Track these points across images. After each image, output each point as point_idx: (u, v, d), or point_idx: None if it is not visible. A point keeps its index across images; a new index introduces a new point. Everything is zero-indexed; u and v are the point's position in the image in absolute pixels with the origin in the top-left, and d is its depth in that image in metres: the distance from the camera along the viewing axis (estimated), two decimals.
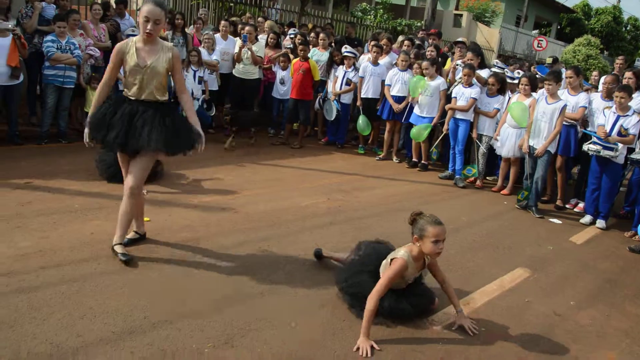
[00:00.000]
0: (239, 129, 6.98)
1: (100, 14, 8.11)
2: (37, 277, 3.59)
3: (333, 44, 9.62)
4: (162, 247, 4.28)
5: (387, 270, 3.41)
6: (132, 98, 3.88)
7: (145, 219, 4.74)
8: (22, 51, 6.67)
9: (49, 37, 6.95)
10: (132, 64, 3.82)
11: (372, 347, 3.18)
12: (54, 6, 7.77)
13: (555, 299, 4.27)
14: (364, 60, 8.95)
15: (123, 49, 3.85)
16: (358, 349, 3.16)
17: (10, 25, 6.34)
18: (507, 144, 7.22)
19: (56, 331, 3.01)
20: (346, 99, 8.85)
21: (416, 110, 8.02)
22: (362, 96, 8.64)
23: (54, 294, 3.39)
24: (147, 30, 3.73)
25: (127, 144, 3.79)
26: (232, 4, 12.77)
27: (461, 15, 20.45)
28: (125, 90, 3.94)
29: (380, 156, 8.67)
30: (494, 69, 8.10)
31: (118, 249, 3.96)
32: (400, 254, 3.40)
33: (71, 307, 3.26)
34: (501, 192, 7.39)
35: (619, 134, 6.12)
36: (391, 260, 3.46)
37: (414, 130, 7.84)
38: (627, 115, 6.16)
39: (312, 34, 9.54)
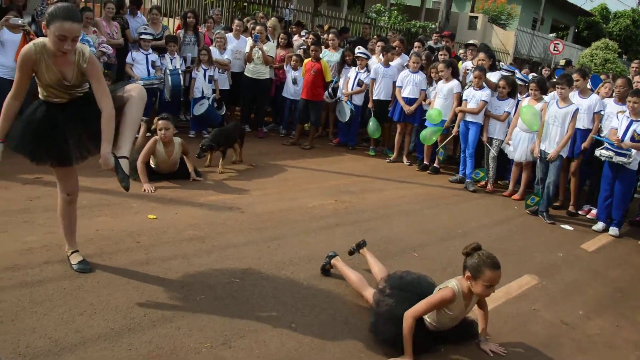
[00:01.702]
0: (225, 149, 6.82)
1: (114, 12, 8.15)
2: (40, 271, 3.60)
3: (347, 44, 9.58)
4: (167, 245, 4.27)
5: (432, 296, 3.21)
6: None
7: (152, 216, 4.76)
8: None
9: None
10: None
11: None
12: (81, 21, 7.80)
13: (563, 308, 4.19)
14: (376, 61, 8.92)
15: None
16: None
17: (21, 22, 6.38)
18: (519, 148, 7.13)
19: (56, 326, 3.00)
20: (357, 100, 8.81)
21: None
22: (373, 98, 8.59)
23: (56, 289, 3.39)
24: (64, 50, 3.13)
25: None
26: (245, 4, 12.79)
27: (476, 18, 20.30)
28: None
29: (391, 158, 8.62)
30: (502, 72, 8.02)
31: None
32: (451, 284, 3.19)
33: (72, 303, 3.26)
34: (512, 197, 7.30)
35: (632, 139, 6.02)
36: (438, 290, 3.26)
37: (424, 133, 7.78)
38: None
39: (331, 36, 9.49)
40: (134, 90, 3.41)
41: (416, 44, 9.40)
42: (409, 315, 3.11)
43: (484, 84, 7.44)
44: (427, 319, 3.28)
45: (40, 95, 3.38)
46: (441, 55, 8.80)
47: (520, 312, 4.02)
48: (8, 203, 4.77)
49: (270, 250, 4.44)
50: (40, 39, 3.24)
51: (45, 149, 3.32)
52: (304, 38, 9.83)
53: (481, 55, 7.91)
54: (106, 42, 7.65)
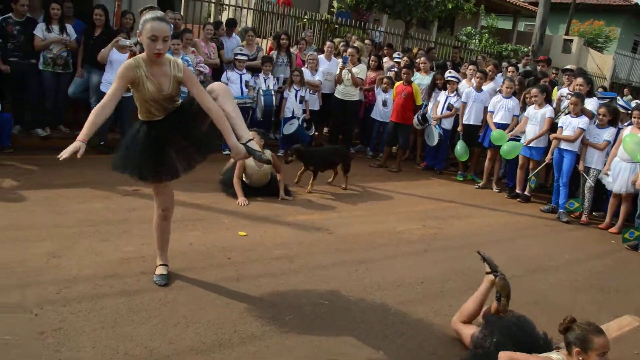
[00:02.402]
0: (316, 169, 6.83)
1: (212, 34, 8.49)
2: (137, 281, 3.73)
3: (435, 68, 9.48)
4: (256, 262, 4.33)
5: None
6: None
7: (242, 233, 4.85)
8: None
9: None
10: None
11: None
12: (171, 26, 8.22)
13: None
14: (467, 85, 8.75)
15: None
16: None
17: (128, 43, 6.76)
18: (619, 178, 6.72)
19: (151, 336, 3.09)
20: (447, 124, 8.66)
21: (523, 141, 7.68)
22: (463, 122, 8.42)
23: (151, 300, 3.51)
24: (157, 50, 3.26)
25: None
26: (337, 26, 12.96)
27: (571, 41, 19.52)
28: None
29: (480, 184, 8.37)
30: (598, 99, 7.63)
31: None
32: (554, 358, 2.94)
33: (166, 314, 3.36)
34: (609, 230, 6.86)
35: None
36: None
37: (505, 148, 7.54)
38: None
39: (422, 59, 9.44)
40: (216, 88, 3.51)
41: (510, 68, 9.15)
42: (506, 357, 2.93)
43: (582, 111, 7.11)
44: None
45: (139, 116, 3.54)
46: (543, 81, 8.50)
47: (621, 356, 3.71)
48: (109, 213, 5.03)
49: (358, 273, 4.39)
50: (140, 55, 3.41)
51: (151, 167, 3.46)
52: (395, 60, 9.81)
53: (579, 80, 7.56)
54: (203, 61, 7.95)
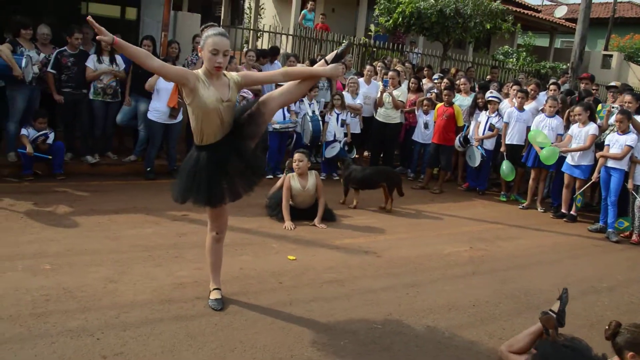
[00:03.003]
0: (358, 188, 7.01)
1: (254, 60, 8.65)
2: (193, 306, 3.79)
3: (477, 88, 9.45)
4: (307, 286, 4.35)
5: None
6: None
7: (291, 257, 4.88)
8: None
9: None
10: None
11: None
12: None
13: None
14: (508, 105, 8.68)
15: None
16: None
17: None
18: None
19: None
20: (489, 144, 8.60)
21: (568, 159, 7.56)
22: (506, 142, 8.34)
23: (207, 325, 3.55)
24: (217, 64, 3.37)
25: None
26: (374, 49, 13.05)
27: (611, 56, 19.19)
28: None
29: (524, 205, 8.24)
30: None
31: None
32: None
33: (223, 339, 3.39)
34: None
35: None
36: None
37: (544, 153, 7.46)
38: None
39: (463, 80, 9.43)
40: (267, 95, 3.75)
41: (552, 87, 9.05)
42: None
43: (630, 127, 6.95)
44: None
45: (197, 141, 3.55)
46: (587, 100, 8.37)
47: None
48: (160, 238, 5.13)
49: (409, 297, 4.37)
50: (197, 70, 3.52)
51: (218, 192, 3.50)
52: (435, 81, 9.82)
53: (627, 97, 7.41)
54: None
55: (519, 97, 8.35)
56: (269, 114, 3.71)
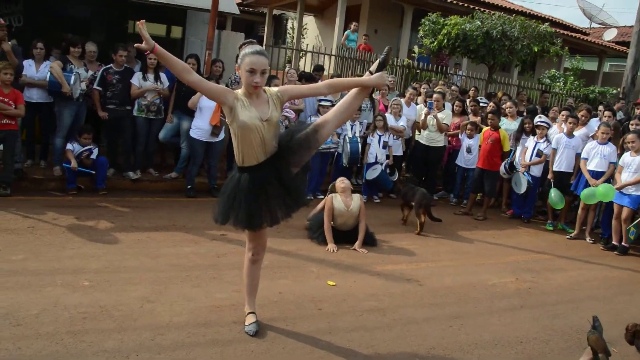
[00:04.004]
0: (405, 204, 7.08)
1: (295, 78, 8.62)
2: (229, 330, 3.69)
3: (525, 113, 9.21)
4: (347, 314, 4.20)
5: None
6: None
7: (331, 282, 4.75)
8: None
9: None
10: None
11: None
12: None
13: None
14: (557, 130, 8.41)
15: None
16: None
17: None
18: None
19: None
20: (536, 171, 8.31)
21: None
22: (554, 169, 8.05)
23: (244, 351, 3.45)
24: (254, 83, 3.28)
25: None
26: (418, 71, 12.92)
27: None
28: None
29: (572, 235, 7.90)
30: None
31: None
32: None
33: None
34: None
35: None
36: None
37: (600, 189, 7.21)
38: None
39: (509, 104, 9.23)
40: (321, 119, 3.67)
41: (606, 113, 8.73)
42: None
43: None
44: None
45: (239, 162, 3.45)
46: (633, 125, 8.04)
47: None
48: (198, 257, 5.07)
49: (453, 329, 4.17)
50: (237, 90, 3.43)
51: (258, 215, 3.41)
52: (481, 104, 9.62)
53: None
54: (288, 107, 8.06)
55: (569, 123, 8.07)
56: (324, 138, 3.60)
